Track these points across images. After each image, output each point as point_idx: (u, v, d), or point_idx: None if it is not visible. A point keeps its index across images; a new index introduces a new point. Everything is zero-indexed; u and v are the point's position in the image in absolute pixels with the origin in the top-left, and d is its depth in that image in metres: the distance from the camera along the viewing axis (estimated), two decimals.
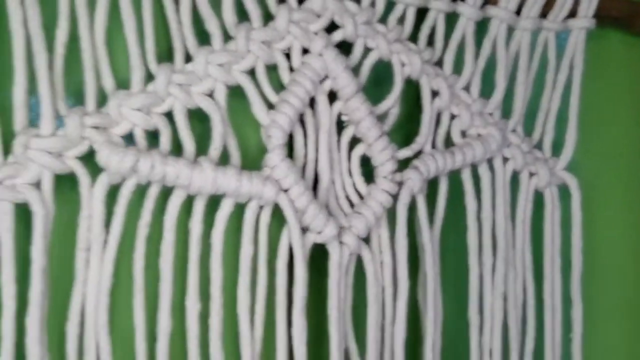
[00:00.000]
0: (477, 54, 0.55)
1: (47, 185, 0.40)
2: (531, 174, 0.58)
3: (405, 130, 0.54)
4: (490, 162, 0.56)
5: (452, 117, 0.54)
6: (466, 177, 0.54)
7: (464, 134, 0.55)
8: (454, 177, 0.54)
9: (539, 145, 0.58)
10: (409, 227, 0.51)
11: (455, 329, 0.55)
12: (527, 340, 0.57)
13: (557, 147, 0.59)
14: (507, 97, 0.56)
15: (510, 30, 0.56)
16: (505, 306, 0.55)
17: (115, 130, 0.42)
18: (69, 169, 0.41)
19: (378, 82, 0.52)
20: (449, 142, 0.54)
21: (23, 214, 0.40)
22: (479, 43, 0.55)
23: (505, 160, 0.56)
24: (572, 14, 0.58)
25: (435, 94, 0.53)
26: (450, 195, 0.54)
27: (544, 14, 0.57)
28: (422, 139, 0.52)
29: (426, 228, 0.52)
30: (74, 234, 0.41)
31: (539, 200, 0.58)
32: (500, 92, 0.55)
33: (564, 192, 0.59)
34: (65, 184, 0.41)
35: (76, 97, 0.42)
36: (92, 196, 0.41)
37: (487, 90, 0.55)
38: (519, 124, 0.57)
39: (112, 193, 0.42)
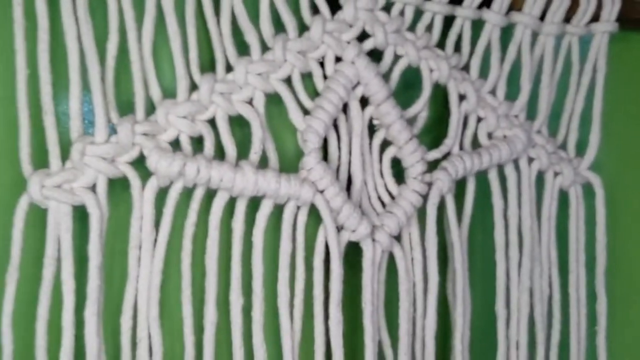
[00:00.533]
0: (502, 59, 0.55)
1: (102, 188, 0.42)
2: (556, 174, 0.58)
3: (434, 132, 0.55)
4: (516, 162, 0.56)
5: (479, 119, 0.55)
6: (493, 177, 0.55)
7: (490, 135, 0.55)
8: (481, 177, 0.55)
9: (563, 146, 0.59)
10: (439, 225, 0.52)
11: (483, 322, 0.55)
12: (553, 333, 0.57)
13: (581, 147, 0.59)
14: (532, 100, 0.56)
15: (535, 36, 0.56)
16: (531, 300, 0.56)
17: (163, 136, 0.44)
18: (122, 173, 0.43)
19: (407, 87, 0.53)
20: (476, 144, 0.55)
21: (80, 215, 0.42)
22: (504, 48, 0.55)
23: (531, 160, 0.57)
24: (595, 17, 0.58)
25: (462, 97, 0.54)
26: (477, 194, 0.54)
27: (567, 18, 0.57)
28: (450, 141, 0.53)
29: (455, 226, 0.53)
30: (126, 233, 0.43)
31: (563, 198, 0.58)
32: (525, 95, 0.56)
33: (588, 191, 0.59)
34: (118, 187, 0.43)
35: (125, 106, 0.43)
36: (142, 198, 0.43)
37: (512, 94, 0.56)
38: (543, 126, 0.57)
39: (161, 195, 0.43)
